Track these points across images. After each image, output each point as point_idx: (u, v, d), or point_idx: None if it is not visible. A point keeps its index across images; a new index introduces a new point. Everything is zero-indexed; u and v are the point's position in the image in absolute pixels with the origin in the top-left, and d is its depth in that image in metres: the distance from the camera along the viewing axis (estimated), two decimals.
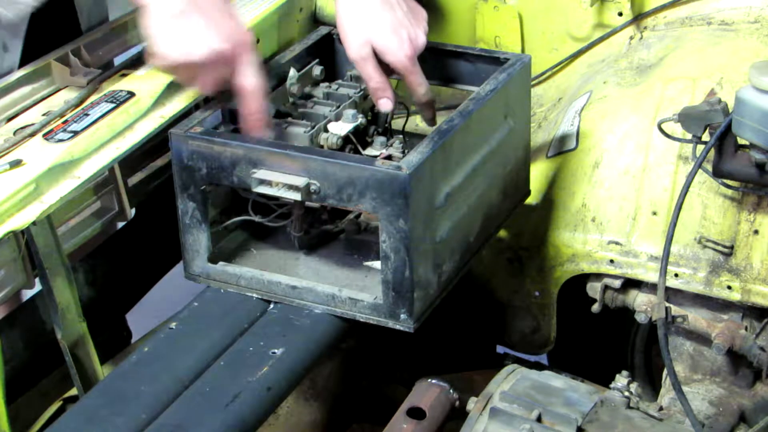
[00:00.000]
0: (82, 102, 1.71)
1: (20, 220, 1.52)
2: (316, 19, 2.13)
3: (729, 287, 1.87)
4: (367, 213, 1.79)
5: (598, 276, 1.96)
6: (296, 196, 1.60)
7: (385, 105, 1.79)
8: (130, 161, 1.98)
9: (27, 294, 1.81)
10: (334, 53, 1.94)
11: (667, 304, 1.82)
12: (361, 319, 1.66)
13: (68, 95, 1.75)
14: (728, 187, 1.84)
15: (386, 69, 1.79)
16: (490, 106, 1.75)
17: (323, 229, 1.80)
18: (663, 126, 1.86)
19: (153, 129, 1.70)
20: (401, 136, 1.87)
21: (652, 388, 2.23)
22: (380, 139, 1.78)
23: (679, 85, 1.98)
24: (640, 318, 1.93)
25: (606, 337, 2.27)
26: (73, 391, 1.83)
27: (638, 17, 2.15)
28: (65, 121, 1.65)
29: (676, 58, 2.04)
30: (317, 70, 1.89)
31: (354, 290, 1.67)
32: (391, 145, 1.78)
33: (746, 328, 1.89)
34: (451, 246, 1.70)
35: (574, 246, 1.98)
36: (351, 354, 2.12)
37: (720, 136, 1.76)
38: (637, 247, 1.93)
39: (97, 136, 1.64)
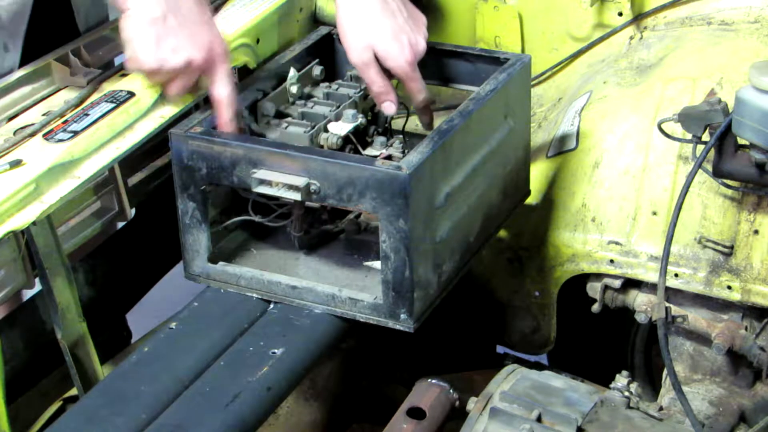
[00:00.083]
0: (82, 102, 1.71)
1: (20, 220, 1.52)
2: (316, 19, 2.13)
3: (729, 287, 1.87)
4: (367, 213, 1.78)
5: (598, 276, 1.96)
6: (296, 196, 1.60)
7: (388, 108, 1.80)
8: (130, 161, 1.98)
9: (27, 294, 1.81)
10: (334, 53, 1.94)
11: (667, 304, 1.82)
12: (361, 319, 1.66)
13: (68, 95, 1.75)
14: (728, 187, 1.84)
15: (386, 74, 1.80)
16: (490, 106, 1.75)
17: (323, 229, 1.80)
18: (663, 126, 1.86)
19: (153, 129, 1.70)
20: (401, 136, 1.87)
21: (652, 388, 2.23)
22: (380, 139, 1.78)
23: (679, 85, 1.98)
24: (640, 318, 1.93)
25: (606, 337, 2.27)
26: (73, 391, 1.83)
27: (638, 17, 2.15)
28: (65, 121, 1.65)
29: (676, 58, 2.04)
30: (317, 70, 1.90)
31: (354, 290, 1.67)
32: (391, 145, 1.78)
33: (746, 328, 1.89)
34: (451, 246, 1.70)
35: (574, 246, 1.98)
36: (351, 354, 2.12)
37: (720, 136, 1.77)
38: (637, 247, 1.93)
39: (97, 136, 1.64)
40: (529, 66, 1.87)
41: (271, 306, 1.70)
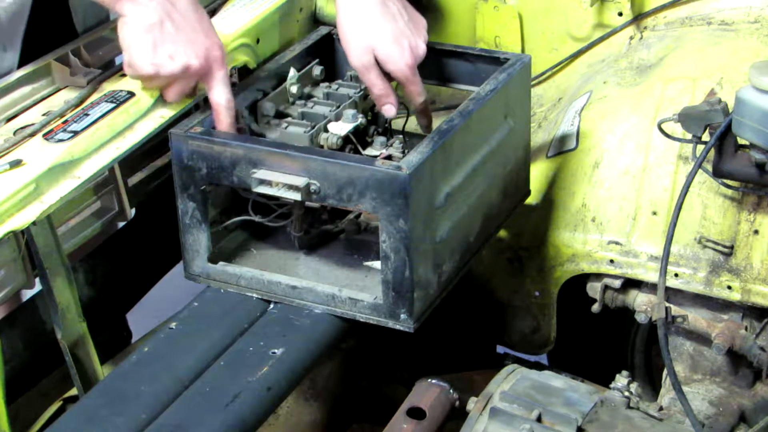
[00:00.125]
0: (82, 102, 1.71)
1: (20, 220, 1.52)
2: (316, 19, 2.13)
3: (729, 287, 1.87)
4: (367, 213, 1.78)
5: (598, 276, 1.96)
6: (296, 196, 1.60)
7: (389, 111, 1.80)
8: (130, 161, 1.98)
9: (27, 294, 1.81)
10: (334, 53, 1.94)
11: (667, 304, 1.82)
12: (361, 319, 1.66)
13: (68, 95, 1.75)
14: (728, 187, 1.84)
15: (386, 77, 1.80)
16: (490, 106, 1.75)
17: (323, 229, 1.80)
18: (663, 126, 1.86)
19: (153, 129, 1.70)
20: (401, 136, 1.87)
21: (652, 388, 2.23)
22: (380, 139, 1.78)
23: (679, 85, 1.98)
24: (640, 318, 1.93)
25: (606, 337, 2.27)
26: (73, 391, 1.83)
27: (638, 17, 2.15)
28: (65, 121, 1.65)
29: (676, 58, 2.04)
30: (317, 70, 1.90)
31: (354, 290, 1.67)
32: (391, 145, 1.78)
33: (746, 328, 1.89)
34: (451, 246, 1.70)
35: (574, 246, 1.98)
36: (351, 354, 2.12)
37: (720, 136, 1.76)
38: (637, 247, 1.93)
39: (97, 136, 1.64)
40: (529, 66, 1.87)
41: (271, 306, 1.70)
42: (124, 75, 1.77)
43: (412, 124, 1.93)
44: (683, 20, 2.11)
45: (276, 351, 1.60)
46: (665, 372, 1.90)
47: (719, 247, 1.87)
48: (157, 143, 1.97)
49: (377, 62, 1.78)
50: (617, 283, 1.95)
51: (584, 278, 1.99)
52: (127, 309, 2.17)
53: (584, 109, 2.05)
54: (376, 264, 1.68)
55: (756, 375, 1.92)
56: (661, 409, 1.86)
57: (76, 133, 1.63)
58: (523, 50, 2.23)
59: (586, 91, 2.10)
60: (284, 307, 1.69)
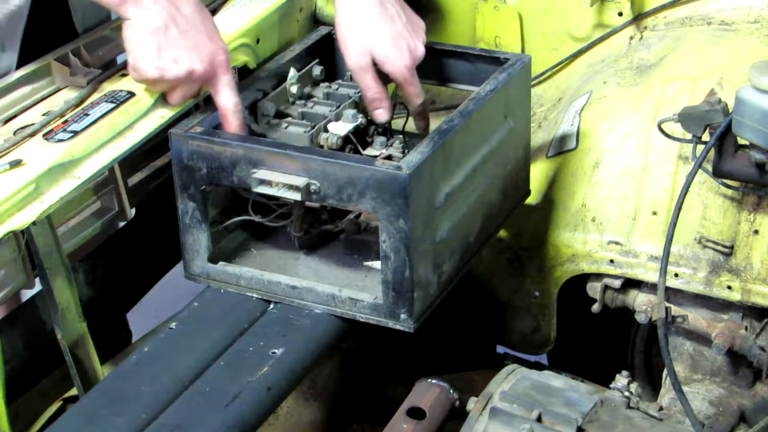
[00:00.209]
0: (82, 102, 1.71)
1: (20, 220, 1.52)
2: (316, 19, 2.13)
3: (729, 287, 1.87)
4: (367, 213, 1.78)
5: (598, 276, 1.96)
6: (296, 196, 1.60)
7: (381, 116, 1.80)
8: (130, 161, 1.98)
9: (27, 294, 1.81)
10: (334, 53, 1.94)
11: (667, 304, 1.82)
12: (361, 319, 1.66)
13: (68, 95, 1.75)
14: (728, 187, 1.84)
15: (384, 79, 1.80)
16: (490, 106, 1.75)
17: (323, 229, 1.80)
18: (663, 126, 1.86)
19: (153, 129, 1.70)
20: (401, 136, 1.86)
21: (652, 388, 2.23)
22: (380, 139, 1.78)
23: (679, 85, 1.98)
24: (640, 318, 1.93)
25: (606, 337, 2.27)
26: (73, 391, 1.83)
27: (638, 17, 2.15)
28: (65, 121, 1.65)
29: (676, 58, 2.04)
30: (317, 70, 1.90)
31: (354, 290, 1.67)
32: (391, 145, 1.78)
33: (746, 328, 1.89)
34: (451, 246, 1.70)
35: (574, 246, 1.98)
36: (351, 354, 2.12)
37: (720, 136, 1.77)
38: (637, 247, 1.93)
39: (97, 136, 1.64)
40: (529, 66, 1.87)
41: (271, 306, 1.70)
42: (124, 75, 1.77)
43: (413, 124, 1.93)
44: (683, 20, 2.12)
45: (276, 351, 1.60)
46: (665, 372, 1.90)
47: (719, 247, 1.88)
48: (157, 143, 1.97)
49: (375, 65, 1.78)
50: (617, 283, 1.95)
51: (584, 278, 1.99)
52: (127, 309, 2.17)
53: (584, 109, 2.05)
54: (376, 264, 1.68)
55: (756, 375, 1.92)
56: (661, 409, 1.86)
57: (76, 133, 1.63)
58: (523, 50, 2.23)
59: (586, 91, 2.10)
60: (284, 307, 1.69)
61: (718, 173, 1.81)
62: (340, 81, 1.90)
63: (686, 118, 1.80)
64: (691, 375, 1.96)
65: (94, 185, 1.90)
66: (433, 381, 1.72)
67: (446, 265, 1.69)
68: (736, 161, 1.79)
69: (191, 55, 1.65)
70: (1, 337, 1.58)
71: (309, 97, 1.85)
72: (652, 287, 1.92)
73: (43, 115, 1.69)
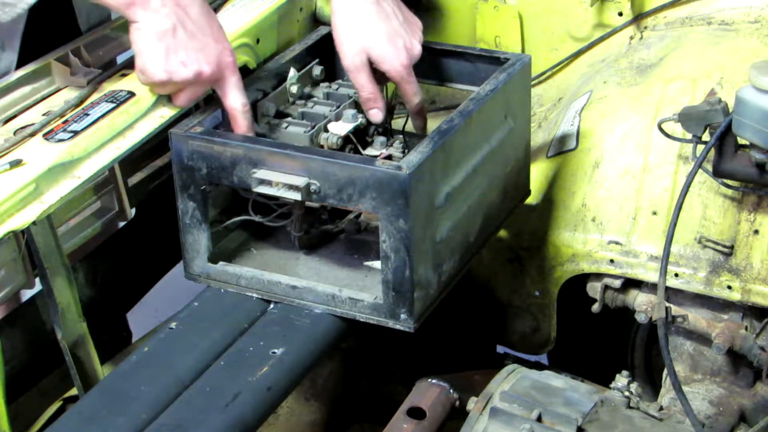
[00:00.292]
0: (82, 102, 1.71)
1: (20, 220, 1.52)
2: (316, 19, 2.13)
3: (729, 287, 1.87)
4: (367, 213, 1.78)
5: (598, 276, 1.96)
6: (296, 196, 1.60)
7: (375, 116, 1.80)
8: (130, 161, 1.98)
9: (27, 294, 1.81)
10: (334, 53, 1.94)
11: (667, 304, 1.82)
12: (361, 319, 1.66)
13: (68, 95, 1.74)
14: (728, 187, 1.84)
15: (381, 77, 1.80)
16: (490, 106, 1.75)
17: (323, 229, 1.80)
18: (663, 126, 1.86)
19: (153, 129, 1.70)
20: (401, 136, 1.86)
21: (652, 388, 2.23)
22: (380, 139, 1.78)
23: (679, 85, 1.98)
24: (640, 318, 1.93)
25: (606, 337, 2.27)
26: (73, 391, 1.83)
27: (638, 17, 2.15)
28: (65, 121, 1.65)
29: (676, 58, 2.04)
30: (317, 70, 1.90)
31: (354, 290, 1.67)
32: (391, 145, 1.78)
33: (746, 328, 1.89)
34: (451, 246, 1.70)
35: (574, 246, 1.98)
36: (351, 354, 2.12)
37: (720, 136, 1.76)
38: (637, 247, 1.93)
39: (97, 136, 1.64)
40: (529, 66, 1.87)
41: (271, 306, 1.70)
42: (124, 75, 1.77)
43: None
44: (683, 20, 2.11)
45: (276, 351, 1.60)
46: (665, 372, 1.90)
47: (719, 247, 1.88)
48: (157, 143, 1.97)
49: (371, 64, 1.78)
50: (617, 283, 1.95)
51: (584, 278, 1.99)
52: (127, 309, 2.17)
53: (584, 109, 2.05)
54: (376, 264, 1.68)
55: (756, 375, 1.92)
56: (661, 409, 1.86)
57: (76, 133, 1.62)
58: (523, 50, 2.23)
59: (586, 91, 2.10)
60: (284, 307, 1.69)
61: (718, 173, 1.81)
62: (340, 81, 1.90)
63: (686, 118, 1.80)
64: (691, 375, 1.96)
65: (94, 185, 1.90)
66: (433, 381, 1.72)
67: (446, 265, 1.69)
68: (736, 161, 1.79)
69: (199, 58, 1.65)
70: (1, 337, 1.58)
71: (309, 97, 1.85)
72: (652, 287, 1.92)
73: (43, 115, 1.69)
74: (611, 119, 2.01)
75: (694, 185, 1.86)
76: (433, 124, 1.81)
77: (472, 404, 1.58)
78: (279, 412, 2.10)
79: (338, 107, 1.79)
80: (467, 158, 1.71)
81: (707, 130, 1.79)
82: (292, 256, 1.78)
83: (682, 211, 1.81)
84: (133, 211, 2.00)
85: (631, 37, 2.16)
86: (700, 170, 1.80)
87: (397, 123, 1.91)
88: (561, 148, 2.05)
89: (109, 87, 1.74)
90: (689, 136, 1.82)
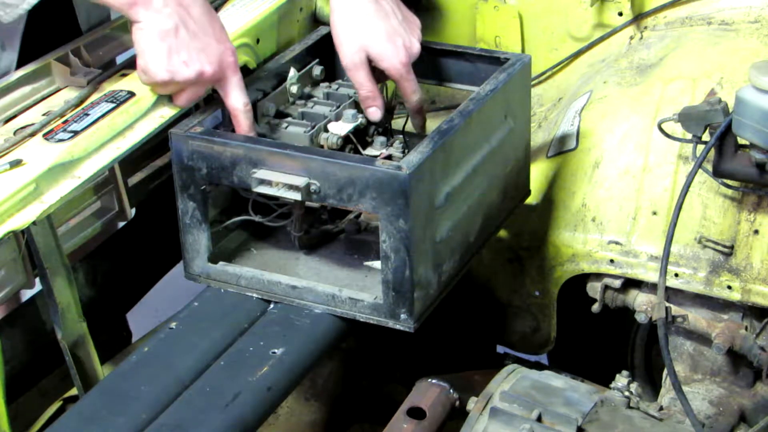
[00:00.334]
0: (82, 102, 1.71)
1: (20, 220, 1.52)
2: (316, 19, 2.13)
3: (729, 287, 1.87)
4: (367, 213, 1.79)
5: (598, 276, 1.96)
6: (296, 196, 1.60)
7: (374, 114, 1.80)
8: (130, 161, 1.98)
9: (27, 294, 1.81)
10: (334, 53, 1.94)
11: (667, 304, 1.82)
12: (361, 319, 1.66)
13: (68, 95, 1.74)
14: (728, 187, 1.84)
15: (380, 76, 1.80)
16: (490, 106, 1.75)
17: (323, 229, 1.80)
18: (663, 126, 1.86)
19: (153, 129, 1.70)
20: (401, 136, 1.86)
21: (652, 388, 2.23)
22: (380, 139, 1.78)
23: (679, 85, 1.98)
24: (640, 318, 1.93)
25: (606, 337, 2.27)
26: (73, 391, 1.83)
27: (638, 17, 2.15)
28: (65, 121, 1.65)
29: (676, 58, 2.04)
30: (317, 70, 1.90)
31: (354, 290, 1.67)
32: (391, 145, 1.78)
33: (746, 328, 1.89)
34: (451, 246, 1.70)
35: (574, 246, 1.98)
36: (351, 354, 2.12)
37: (720, 136, 1.76)
38: (637, 247, 1.93)
39: (97, 136, 1.64)
40: (529, 66, 1.87)
41: (271, 306, 1.70)
42: (124, 75, 1.77)
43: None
44: (683, 20, 2.11)
45: (276, 351, 1.60)
46: (665, 372, 1.90)
47: (719, 247, 1.88)
48: (157, 143, 1.97)
49: (370, 63, 1.78)
50: (617, 283, 1.95)
51: (584, 278, 1.99)
52: (127, 309, 2.17)
53: (584, 109, 2.05)
54: (376, 264, 1.69)
55: (756, 375, 1.92)
56: (661, 409, 1.86)
57: (76, 133, 1.62)
58: (523, 50, 2.23)
59: (586, 91, 2.10)
60: (284, 307, 1.69)
61: (718, 173, 1.81)
62: (340, 81, 1.90)
63: (686, 118, 1.80)
64: (691, 375, 1.96)
65: (94, 185, 1.90)
66: (433, 381, 1.72)
67: (446, 265, 1.69)
68: (736, 161, 1.79)
69: (201, 58, 1.65)
70: (1, 337, 1.58)
71: (309, 97, 1.85)
72: (652, 287, 1.92)
73: (43, 115, 1.69)
74: (611, 119, 2.01)
75: (694, 185, 1.86)
76: (433, 124, 1.81)
77: (472, 404, 1.58)
78: (279, 412, 2.10)
79: (338, 107, 1.79)
80: (467, 158, 1.71)
81: (707, 130, 1.79)
82: (292, 256, 1.78)
83: (682, 211, 1.81)
84: (133, 211, 2.00)
85: (631, 37, 2.16)
86: (700, 170, 1.80)
87: (397, 123, 1.91)
88: (561, 148, 2.05)
89: (109, 87, 1.74)
90: (689, 136, 1.82)
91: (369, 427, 2.10)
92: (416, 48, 1.81)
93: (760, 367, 1.88)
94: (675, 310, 1.87)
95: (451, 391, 1.71)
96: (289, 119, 1.77)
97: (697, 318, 1.90)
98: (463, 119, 1.68)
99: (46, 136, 1.62)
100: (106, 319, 2.02)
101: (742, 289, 1.86)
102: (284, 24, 2.02)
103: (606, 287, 1.95)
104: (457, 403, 1.71)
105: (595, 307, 1.97)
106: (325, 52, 1.94)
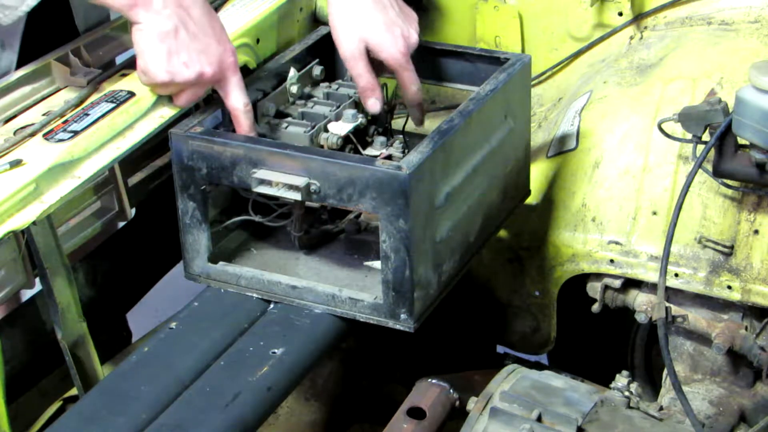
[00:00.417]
0: (82, 102, 1.71)
1: (20, 220, 1.52)
2: (316, 19, 2.13)
3: (729, 287, 1.87)
4: (367, 213, 1.79)
5: (598, 276, 1.96)
6: (296, 196, 1.60)
7: (373, 105, 1.80)
8: (130, 161, 1.98)
9: (27, 294, 1.81)
10: (334, 53, 1.94)
11: (667, 304, 1.82)
12: (361, 319, 1.66)
13: (68, 95, 1.75)
14: (728, 187, 1.84)
15: (378, 68, 1.80)
16: (490, 106, 1.75)
17: (323, 229, 1.80)
18: (663, 126, 1.86)
19: (153, 129, 1.70)
20: (401, 136, 1.86)
21: (652, 388, 2.23)
22: (380, 139, 1.78)
23: (679, 85, 1.98)
24: (640, 318, 1.93)
25: (606, 337, 2.27)
26: (73, 391, 1.83)
27: (638, 17, 2.15)
28: (65, 121, 1.65)
29: (676, 58, 2.04)
30: (317, 70, 1.90)
31: (354, 290, 1.67)
32: (391, 145, 1.78)
33: (746, 328, 1.89)
34: (451, 246, 1.70)
35: (574, 246, 1.98)
36: (351, 354, 2.12)
37: (720, 136, 1.76)
38: (637, 247, 1.93)
39: (97, 136, 1.64)
40: (529, 66, 1.87)
41: (271, 306, 1.70)
42: (124, 75, 1.77)
43: (412, 124, 1.93)
44: (683, 20, 2.12)
45: (276, 351, 1.60)
46: (665, 372, 1.90)
47: (719, 247, 1.88)
48: (157, 143, 1.97)
49: (368, 55, 1.78)
50: (617, 283, 1.95)
51: (584, 278, 1.99)
52: (127, 309, 2.17)
53: (584, 109, 2.05)
54: (376, 264, 1.68)
55: (756, 375, 1.92)
56: (661, 409, 1.86)
57: (76, 133, 1.62)
58: (523, 50, 2.23)
59: (586, 91, 2.10)
60: (284, 307, 1.69)
61: (718, 173, 1.81)
62: (340, 81, 1.90)
63: (686, 118, 1.80)
64: (691, 375, 1.96)
65: (94, 185, 1.90)
66: (433, 381, 1.72)
67: (446, 265, 1.69)
68: (736, 161, 1.79)
69: (201, 59, 1.65)
70: (1, 337, 1.58)
71: (309, 97, 1.85)
72: (652, 287, 1.92)
73: (43, 115, 1.69)
74: (611, 119, 2.01)
75: (694, 185, 1.86)
76: (433, 124, 1.81)
77: (472, 404, 1.58)
78: (279, 412, 2.10)
79: (338, 107, 1.79)
80: (467, 158, 1.71)
81: (707, 130, 1.79)
82: (292, 256, 1.78)
83: (682, 211, 1.81)
84: (133, 211, 2.01)
85: (631, 37, 2.16)
86: (700, 170, 1.80)
87: (397, 123, 1.91)
88: (561, 148, 2.05)
89: (109, 87, 1.74)
90: (689, 136, 1.82)
91: (369, 427, 2.10)
92: (414, 39, 1.81)
93: (760, 367, 1.88)
94: (675, 310, 1.87)
95: (451, 391, 1.71)
96: (289, 119, 1.77)
97: (697, 318, 1.90)
98: (463, 119, 1.68)
99: (46, 136, 1.62)
100: (106, 319, 2.02)
101: (742, 289, 1.86)
102: (284, 24, 2.02)
103: (606, 287, 1.95)
104: (457, 403, 1.71)
105: (595, 307, 1.97)
106: (325, 52, 1.94)
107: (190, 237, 1.71)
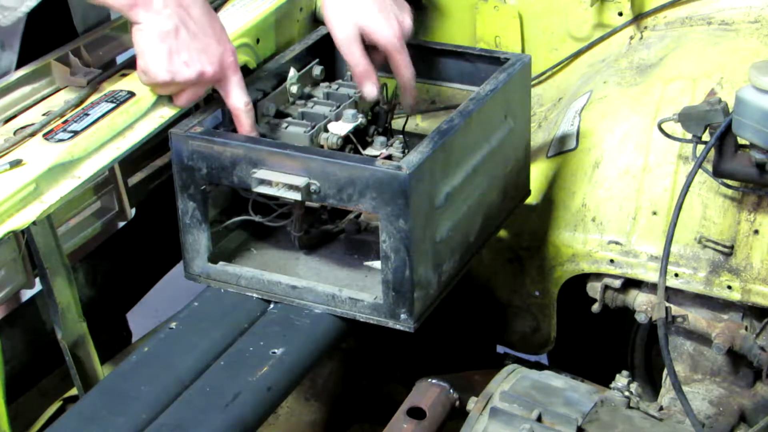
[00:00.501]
0: (82, 102, 1.71)
1: (20, 220, 1.52)
2: (316, 19, 2.13)
3: (729, 287, 1.87)
4: (367, 213, 1.79)
5: (598, 276, 1.96)
6: (296, 196, 1.60)
7: (370, 91, 1.80)
8: (130, 161, 1.98)
9: (27, 294, 1.81)
10: (334, 53, 1.94)
11: (667, 304, 1.82)
12: (361, 319, 1.66)
13: (68, 95, 1.75)
14: (728, 187, 1.84)
15: (373, 56, 1.80)
16: (490, 106, 1.75)
17: (323, 229, 1.80)
18: (663, 126, 1.86)
19: (153, 129, 1.70)
20: (401, 136, 1.86)
21: (652, 388, 2.23)
22: (380, 139, 1.78)
23: (679, 85, 1.98)
24: (640, 318, 1.93)
25: (606, 337, 2.27)
26: (73, 391, 1.83)
27: (638, 17, 2.15)
28: (65, 121, 1.65)
29: (676, 58, 2.04)
30: (317, 70, 1.90)
31: (354, 290, 1.67)
32: (391, 145, 1.78)
33: (746, 328, 1.89)
34: (451, 246, 1.70)
35: (574, 246, 1.98)
36: (351, 354, 2.12)
37: (720, 136, 1.77)
38: (637, 247, 1.93)
39: (97, 136, 1.64)
40: (529, 66, 1.87)
41: (271, 306, 1.70)
42: (124, 75, 1.77)
43: (413, 124, 1.93)
44: (683, 20, 2.12)
45: (276, 351, 1.60)
46: (665, 372, 1.90)
47: (719, 247, 1.88)
48: (157, 143, 1.97)
49: (362, 40, 1.78)
50: (617, 283, 1.95)
51: (584, 278, 1.99)
52: (127, 309, 2.17)
53: (584, 109, 2.05)
54: (376, 264, 1.69)
55: (756, 375, 1.92)
56: (661, 409, 1.86)
57: (76, 133, 1.62)
58: (523, 50, 2.23)
59: (586, 91, 2.10)
60: (284, 307, 1.69)
61: (718, 173, 1.81)
62: (340, 81, 1.90)
63: (686, 118, 1.80)
64: (691, 375, 1.96)
65: (94, 185, 1.90)
66: (433, 381, 1.72)
67: (446, 265, 1.69)
68: (736, 161, 1.79)
69: (201, 58, 1.65)
70: (1, 337, 1.58)
71: (309, 97, 1.85)
72: (652, 287, 1.92)
73: (43, 115, 1.69)
74: (611, 119, 2.01)
75: (694, 185, 1.86)
76: (433, 124, 1.81)
77: (472, 404, 1.58)
78: (279, 412, 2.10)
79: (338, 107, 1.79)
80: (467, 158, 1.71)
81: (707, 130, 1.79)
82: (292, 256, 1.78)
83: (682, 211, 1.81)
84: (133, 211, 2.01)
85: (631, 37, 2.16)
86: (700, 170, 1.80)
87: (397, 123, 1.91)
88: (561, 148, 2.05)
89: (109, 87, 1.74)
90: (689, 136, 1.82)
91: (369, 427, 2.10)
92: (408, 24, 1.81)
93: (760, 367, 1.88)
94: (675, 310, 1.87)
95: (451, 391, 1.71)
96: (289, 119, 1.77)
97: (697, 318, 1.90)
98: (463, 119, 1.68)
99: (46, 136, 1.62)
100: (106, 319, 2.02)
101: (742, 289, 1.86)
102: (284, 24, 2.02)
103: (606, 287, 1.95)
104: (457, 403, 1.71)
105: (595, 307, 1.97)
106: (325, 52, 1.94)
107: (190, 237, 1.71)
